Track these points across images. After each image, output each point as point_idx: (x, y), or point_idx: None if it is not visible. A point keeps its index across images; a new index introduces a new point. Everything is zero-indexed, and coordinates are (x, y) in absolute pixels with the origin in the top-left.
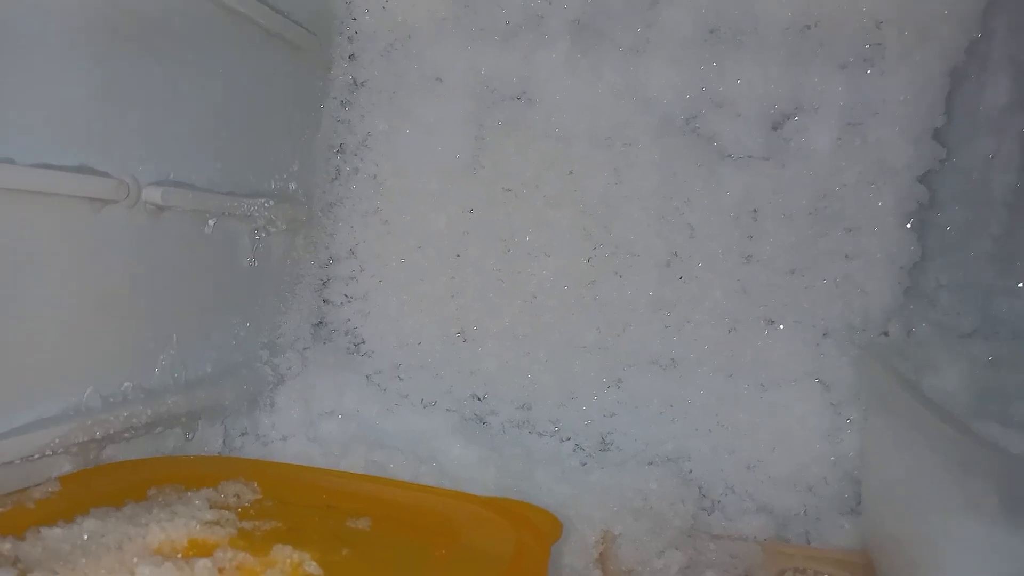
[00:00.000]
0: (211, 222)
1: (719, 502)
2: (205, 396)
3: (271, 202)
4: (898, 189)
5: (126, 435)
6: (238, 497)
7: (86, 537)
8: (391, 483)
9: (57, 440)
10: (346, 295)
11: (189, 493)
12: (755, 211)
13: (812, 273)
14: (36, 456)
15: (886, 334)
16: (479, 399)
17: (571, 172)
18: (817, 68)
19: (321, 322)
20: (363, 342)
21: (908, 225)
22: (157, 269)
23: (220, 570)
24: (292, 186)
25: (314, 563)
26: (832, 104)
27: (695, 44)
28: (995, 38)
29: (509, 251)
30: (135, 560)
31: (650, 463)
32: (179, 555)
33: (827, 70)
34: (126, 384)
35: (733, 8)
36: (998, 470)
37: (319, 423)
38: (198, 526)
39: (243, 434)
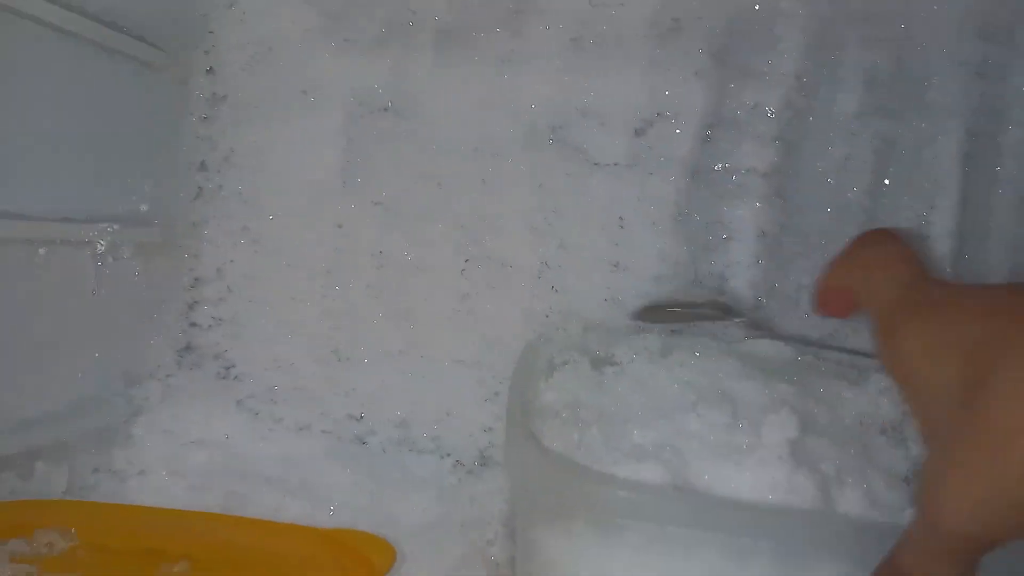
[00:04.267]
0: (42, 251)
1: None
2: (45, 435)
3: (115, 226)
4: (758, 195)
5: None
6: (50, 546)
7: None
8: (224, 520)
9: None
10: (215, 317)
11: None
12: (621, 219)
13: (678, 279)
14: None
15: None
16: (356, 419)
17: (440, 184)
18: (676, 75)
19: (188, 346)
20: (234, 366)
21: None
22: None
23: None
24: (143, 207)
25: None
26: (691, 111)
27: (558, 54)
28: (846, 48)
29: (381, 267)
30: None
31: None
32: None
33: (685, 77)
34: None
35: (595, 18)
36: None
37: (183, 454)
38: None
39: (95, 471)
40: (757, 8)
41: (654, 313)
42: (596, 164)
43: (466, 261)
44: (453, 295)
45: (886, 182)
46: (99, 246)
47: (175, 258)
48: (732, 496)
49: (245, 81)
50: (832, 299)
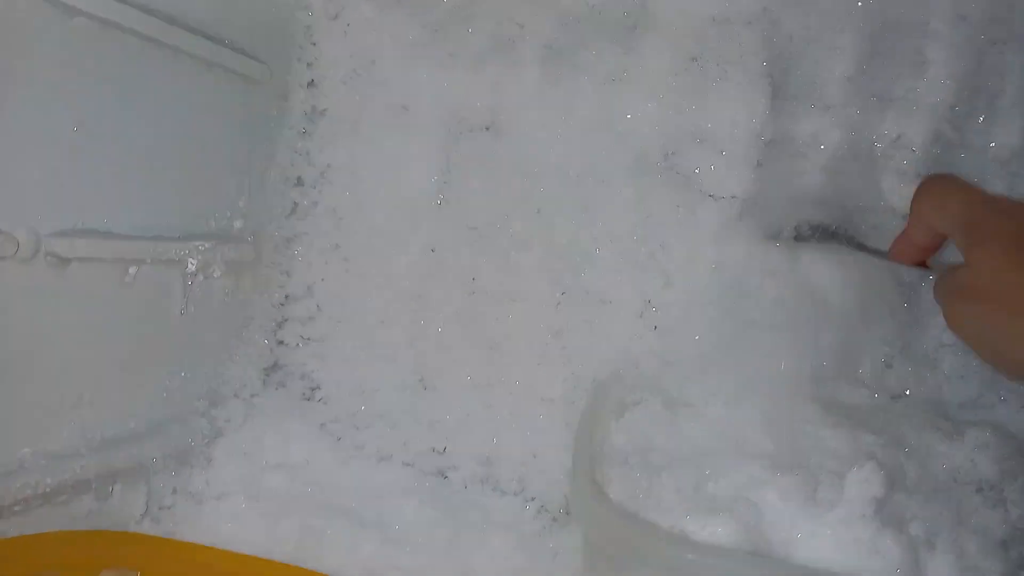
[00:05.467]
0: (132, 270)
1: None
2: (125, 456)
3: (208, 244)
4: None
5: (16, 508)
6: None
7: None
8: (290, 571)
9: None
10: (303, 336)
11: None
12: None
13: (794, 330)
14: None
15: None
16: (439, 452)
17: (539, 211)
18: (805, 102)
19: (275, 365)
20: (319, 387)
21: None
22: (64, 325)
23: None
24: (237, 224)
25: None
26: (822, 141)
27: (675, 74)
28: (1009, 76)
29: (473, 294)
30: None
31: None
32: None
33: (816, 104)
34: (24, 450)
35: (718, 36)
36: None
37: (262, 478)
38: None
39: (173, 492)
40: (902, 28)
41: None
42: (711, 196)
43: (562, 294)
44: (546, 329)
45: None
46: (190, 264)
47: (266, 275)
48: (807, 562)
49: (346, 95)
50: (907, 250)
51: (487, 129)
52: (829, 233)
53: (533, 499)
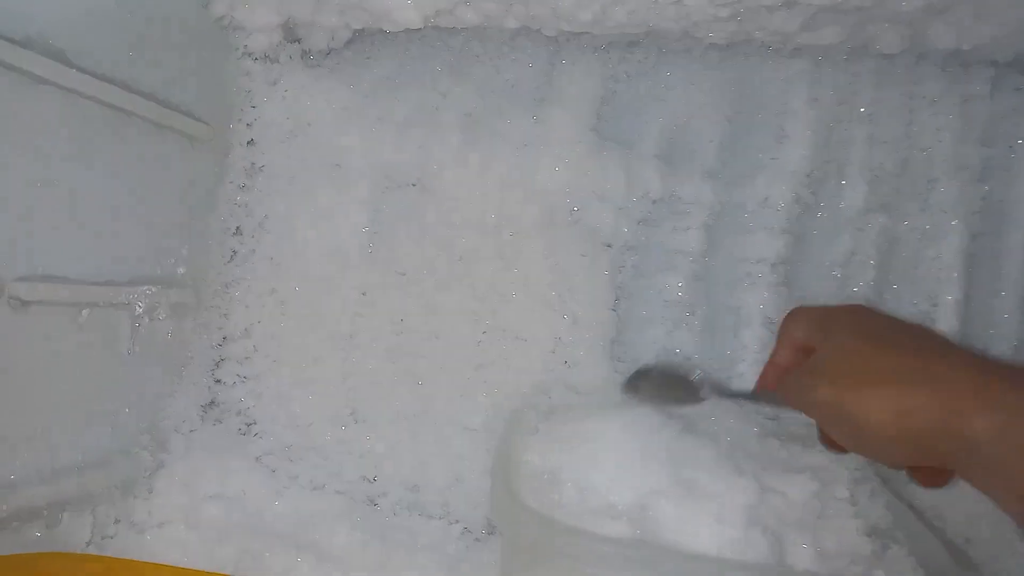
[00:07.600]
0: (85, 312)
1: None
2: (74, 486)
3: (154, 288)
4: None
5: None
6: None
7: None
8: None
9: None
10: (239, 375)
11: None
12: (632, 299)
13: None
14: None
15: None
16: (369, 481)
17: (461, 258)
18: (687, 167)
19: (212, 402)
20: (255, 423)
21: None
22: (21, 363)
23: None
24: (180, 270)
25: None
26: (702, 201)
27: (578, 141)
28: (853, 147)
29: (400, 334)
30: None
31: None
32: None
33: (695, 170)
34: None
35: (611, 111)
36: None
37: (201, 508)
38: None
39: (116, 522)
40: (766, 107)
41: (641, 383)
42: (609, 246)
43: (483, 332)
44: (468, 364)
45: (890, 278)
46: (137, 308)
47: (206, 317)
48: (690, 549)
49: (282, 153)
50: (773, 373)
51: (413, 185)
52: (692, 387)
53: (457, 521)
